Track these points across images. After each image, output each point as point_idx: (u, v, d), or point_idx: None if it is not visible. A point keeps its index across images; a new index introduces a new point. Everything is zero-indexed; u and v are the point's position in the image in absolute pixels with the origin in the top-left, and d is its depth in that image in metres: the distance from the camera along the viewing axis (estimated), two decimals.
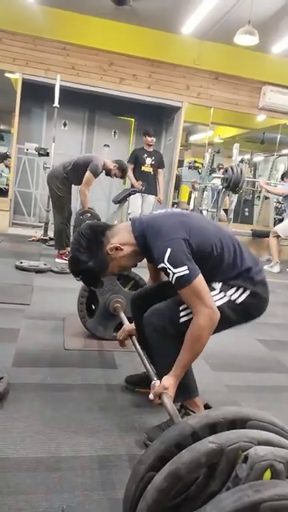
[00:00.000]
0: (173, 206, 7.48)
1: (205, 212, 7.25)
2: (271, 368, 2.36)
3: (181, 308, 1.45)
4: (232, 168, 5.34)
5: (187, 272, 1.33)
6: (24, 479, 1.23)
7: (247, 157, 8.84)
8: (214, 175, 6.64)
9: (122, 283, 2.36)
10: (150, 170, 5.53)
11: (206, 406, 1.57)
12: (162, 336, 1.45)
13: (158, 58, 6.14)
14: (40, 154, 5.56)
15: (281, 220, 6.73)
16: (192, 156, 9.22)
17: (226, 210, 6.50)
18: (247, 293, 1.48)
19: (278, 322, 3.18)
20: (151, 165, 5.52)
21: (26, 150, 5.80)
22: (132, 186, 5.51)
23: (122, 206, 5.40)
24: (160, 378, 1.41)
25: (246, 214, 8.01)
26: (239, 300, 1.47)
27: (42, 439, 1.43)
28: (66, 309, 2.69)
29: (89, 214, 4.52)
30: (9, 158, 7.36)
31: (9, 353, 2.06)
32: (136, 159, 5.50)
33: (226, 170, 5.41)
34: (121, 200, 5.04)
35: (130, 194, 5.09)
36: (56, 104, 5.32)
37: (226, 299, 1.45)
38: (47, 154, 5.50)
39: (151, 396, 1.38)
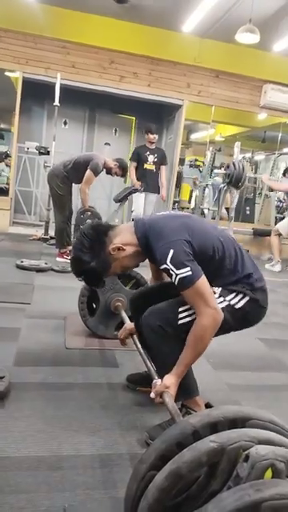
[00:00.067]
0: (174, 204, 7.46)
1: (206, 210, 7.25)
2: (272, 367, 2.37)
3: (180, 310, 1.45)
4: (234, 164, 5.33)
5: (190, 273, 1.33)
6: (25, 478, 1.24)
7: (248, 155, 8.81)
8: (216, 171, 6.61)
9: (122, 282, 2.36)
10: (153, 167, 5.48)
11: (207, 405, 1.58)
12: (160, 336, 1.46)
13: (158, 56, 6.13)
14: (40, 153, 5.56)
15: (282, 219, 6.71)
16: (193, 154, 9.19)
17: (227, 209, 6.49)
18: (246, 299, 1.48)
19: (278, 321, 3.18)
20: (154, 162, 5.47)
21: (26, 149, 5.79)
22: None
23: (123, 205, 5.39)
24: (161, 377, 1.42)
25: (248, 212, 7.98)
26: (238, 305, 1.47)
27: (44, 438, 1.44)
28: (66, 308, 2.70)
29: (89, 213, 4.53)
30: (9, 156, 7.34)
31: (10, 352, 2.06)
32: (138, 157, 5.45)
33: (228, 166, 5.41)
34: (122, 198, 5.04)
35: (130, 193, 5.08)
36: (56, 102, 5.32)
37: (225, 304, 1.45)
38: (48, 153, 5.50)
39: (152, 395, 1.38)
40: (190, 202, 9.08)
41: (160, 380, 1.40)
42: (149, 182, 5.48)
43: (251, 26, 4.82)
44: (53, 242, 5.03)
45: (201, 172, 7.80)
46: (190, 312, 1.44)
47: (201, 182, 7.19)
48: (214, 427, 0.84)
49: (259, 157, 9.23)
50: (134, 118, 7.44)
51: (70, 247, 4.47)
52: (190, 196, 9.12)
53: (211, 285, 1.43)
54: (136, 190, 5.15)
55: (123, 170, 4.45)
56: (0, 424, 1.49)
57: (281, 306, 3.72)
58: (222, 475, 0.79)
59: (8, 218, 6.13)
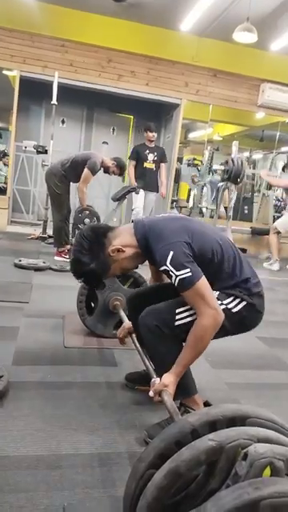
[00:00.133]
0: (172, 203, 7.46)
1: (204, 209, 7.25)
2: (271, 365, 2.37)
3: (177, 311, 1.45)
4: (232, 159, 5.33)
5: (190, 274, 1.34)
6: (24, 477, 1.24)
7: (246, 154, 8.83)
8: (216, 167, 6.60)
9: (121, 281, 2.36)
10: (153, 166, 5.45)
11: (206, 404, 1.58)
12: (157, 336, 1.46)
13: (156, 55, 6.13)
14: (38, 152, 5.55)
15: (280, 217, 6.72)
16: (191, 153, 9.19)
17: (225, 208, 6.49)
18: (243, 303, 1.49)
19: (277, 320, 3.19)
20: (153, 161, 5.44)
21: (24, 148, 5.78)
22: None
23: (121, 204, 5.38)
24: (159, 375, 1.42)
25: (246, 211, 8.00)
26: (235, 309, 1.48)
27: (43, 437, 1.44)
28: (65, 307, 2.69)
29: (87, 212, 4.52)
30: (7, 155, 7.33)
31: (8, 351, 2.06)
32: (138, 156, 5.42)
33: (227, 162, 5.40)
34: (120, 197, 5.03)
35: (129, 192, 5.07)
36: (54, 101, 5.31)
37: (222, 307, 1.44)
38: (46, 152, 5.49)
39: (151, 393, 1.38)
40: (188, 200, 9.08)
41: (159, 379, 1.40)
42: (149, 181, 5.45)
43: (249, 24, 4.82)
44: (51, 240, 5.03)
45: (199, 171, 7.80)
46: (187, 313, 1.44)
47: (199, 181, 7.19)
48: (213, 426, 0.84)
49: (257, 156, 9.24)
50: (131, 117, 7.43)
51: (68, 246, 4.47)
52: (188, 195, 9.12)
53: None
54: (134, 189, 5.15)
55: (121, 169, 4.45)
56: None
57: (279, 304, 3.73)
58: (220, 474, 0.79)
59: (6, 217, 6.12)
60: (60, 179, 4.27)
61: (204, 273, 1.38)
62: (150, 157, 5.43)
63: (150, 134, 5.37)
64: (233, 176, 5.30)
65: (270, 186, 7.61)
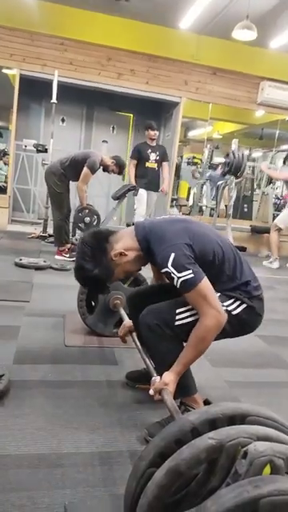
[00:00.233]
0: (172, 202, 7.45)
1: (204, 207, 7.25)
2: (271, 364, 2.38)
3: (177, 311, 1.45)
4: (233, 152, 5.31)
5: (192, 276, 1.34)
6: (26, 476, 1.24)
7: (246, 152, 8.81)
8: (216, 160, 6.57)
9: (121, 280, 2.36)
10: (155, 165, 5.35)
11: (206, 402, 1.58)
12: (157, 335, 1.46)
13: (155, 53, 6.11)
14: (38, 151, 5.55)
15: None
16: (191, 152, 9.17)
17: (225, 206, 6.49)
18: (243, 306, 1.49)
19: (277, 318, 3.19)
20: (155, 160, 5.33)
21: (24, 147, 5.78)
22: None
23: (122, 202, 5.38)
24: (159, 374, 1.42)
25: (245, 209, 7.98)
26: (235, 312, 1.48)
27: (44, 436, 1.44)
28: (65, 306, 2.70)
29: (87, 211, 4.53)
30: (7, 154, 7.31)
31: (10, 350, 2.07)
32: (139, 155, 5.30)
33: (228, 155, 5.38)
34: (120, 196, 5.03)
35: (129, 190, 5.07)
36: (54, 100, 5.30)
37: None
38: (46, 151, 5.49)
39: (151, 392, 1.39)
40: (188, 199, 9.07)
41: (159, 377, 1.41)
42: (151, 181, 5.36)
43: (248, 22, 4.81)
44: (51, 239, 5.03)
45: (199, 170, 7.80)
46: (188, 314, 1.44)
47: (199, 177, 7.17)
48: (213, 424, 0.85)
49: (257, 154, 9.23)
50: (131, 116, 7.43)
51: (69, 245, 4.48)
52: (188, 194, 9.11)
53: None
54: (134, 188, 5.13)
55: (120, 168, 4.44)
56: (0, 422, 1.49)
57: (279, 302, 3.73)
58: (220, 472, 0.79)
59: (6, 216, 6.12)
60: (59, 178, 4.27)
61: (205, 274, 1.39)
62: (153, 156, 5.31)
63: (152, 133, 5.24)
64: (234, 169, 5.27)
65: (270, 180, 7.58)
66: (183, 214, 7.83)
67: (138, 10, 5.52)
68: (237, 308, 1.49)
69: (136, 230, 1.53)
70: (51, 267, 3.92)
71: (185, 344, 1.43)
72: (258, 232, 6.74)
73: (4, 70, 6.17)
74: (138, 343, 1.71)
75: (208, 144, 7.42)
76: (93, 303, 2.42)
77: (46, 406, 1.63)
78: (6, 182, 6.74)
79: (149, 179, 5.35)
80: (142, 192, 5.33)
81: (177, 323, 1.44)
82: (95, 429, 1.52)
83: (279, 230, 5.48)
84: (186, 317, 1.44)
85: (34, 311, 2.71)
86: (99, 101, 6.84)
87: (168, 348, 1.44)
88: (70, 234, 4.66)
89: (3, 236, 5.41)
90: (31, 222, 6.44)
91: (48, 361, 2.03)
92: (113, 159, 4.38)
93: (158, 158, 5.36)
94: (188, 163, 8.41)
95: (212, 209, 7.06)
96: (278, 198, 8.03)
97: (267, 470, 0.73)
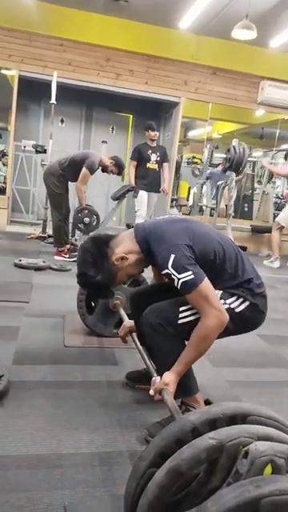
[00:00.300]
0: (172, 202, 7.44)
1: (204, 207, 7.24)
2: (272, 363, 2.37)
3: (180, 309, 1.44)
4: (234, 148, 5.29)
5: (192, 277, 1.33)
6: (25, 476, 1.24)
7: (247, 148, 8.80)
8: (216, 155, 6.55)
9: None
10: (156, 166, 5.30)
11: (207, 402, 1.58)
12: (160, 334, 1.45)
13: (155, 53, 6.12)
14: (37, 151, 5.55)
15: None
16: (191, 152, 9.17)
17: (225, 206, 6.48)
18: (246, 303, 1.48)
19: (278, 318, 3.19)
20: (156, 161, 5.29)
21: (23, 148, 5.77)
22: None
23: (121, 203, 5.37)
24: (160, 374, 1.41)
25: (246, 209, 7.97)
26: (238, 309, 1.47)
27: (43, 436, 1.43)
28: (65, 306, 2.69)
29: (86, 211, 4.52)
30: (6, 155, 7.32)
31: (9, 351, 2.06)
32: (140, 156, 5.25)
33: (229, 150, 5.36)
34: (119, 196, 5.03)
35: (128, 191, 5.06)
36: (53, 101, 5.30)
37: (225, 307, 1.44)
38: (45, 151, 5.49)
39: (151, 392, 1.38)
40: (188, 199, 9.07)
41: (159, 377, 1.40)
42: (152, 182, 5.32)
43: (248, 22, 4.81)
44: (51, 240, 5.03)
45: (199, 170, 7.79)
46: (191, 312, 1.43)
47: (199, 175, 7.17)
48: (213, 424, 0.84)
49: (257, 153, 9.23)
50: (131, 116, 7.42)
51: (68, 245, 4.48)
52: (188, 193, 9.11)
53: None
54: (133, 189, 5.12)
55: (119, 168, 4.44)
56: None
57: (280, 302, 3.73)
58: (221, 472, 0.78)
59: (5, 217, 6.12)
60: (58, 179, 4.26)
61: (206, 274, 1.38)
62: (153, 157, 5.26)
63: (152, 133, 5.20)
64: (235, 164, 5.25)
65: (271, 176, 7.56)
66: (183, 213, 7.83)
67: (137, 10, 5.52)
68: (240, 305, 1.48)
69: (136, 232, 1.53)
70: (50, 268, 3.91)
71: (186, 343, 1.42)
72: (259, 232, 6.73)
73: (3, 71, 6.18)
74: (138, 343, 1.70)
75: (208, 144, 7.41)
76: (92, 303, 2.42)
77: (45, 406, 1.63)
78: (4, 182, 6.75)
79: (150, 180, 5.31)
80: (143, 194, 5.29)
81: (180, 322, 1.44)
82: (95, 429, 1.51)
83: (281, 228, 5.45)
84: (189, 315, 1.43)
85: (33, 312, 2.70)
86: (98, 101, 6.84)
87: (170, 347, 1.43)
88: (70, 235, 4.66)
89: (2, 237, 5.41)
90: (30, 222, 6.44)
91: (47, 361, 2.03)
92: (112, 160, 4.38)
93: (158, 158, 5.32)
94: (188, 163, 8.41)
95: (212, 209, 7.05)
96: (279, 198, 8.03)
97: (268, 469, 0.72)
